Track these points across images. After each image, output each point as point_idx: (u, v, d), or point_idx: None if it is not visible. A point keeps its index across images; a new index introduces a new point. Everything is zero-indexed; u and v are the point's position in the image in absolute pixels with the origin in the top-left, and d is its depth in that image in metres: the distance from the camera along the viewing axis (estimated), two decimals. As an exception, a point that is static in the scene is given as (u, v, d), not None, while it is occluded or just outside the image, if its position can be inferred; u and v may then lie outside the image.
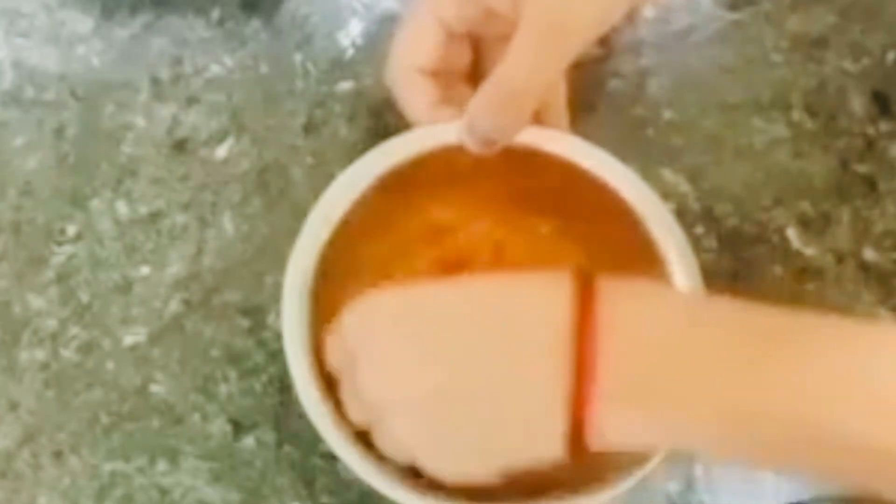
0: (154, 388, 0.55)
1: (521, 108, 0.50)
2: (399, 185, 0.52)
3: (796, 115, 0.59)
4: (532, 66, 0.50)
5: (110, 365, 0.55)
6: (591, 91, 0.58)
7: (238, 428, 0.54)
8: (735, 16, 0.60)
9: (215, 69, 0.59)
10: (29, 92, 0.59)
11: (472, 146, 0.51)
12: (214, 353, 0.55)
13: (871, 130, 0.59)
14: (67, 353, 0.55)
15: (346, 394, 0.48)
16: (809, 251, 0.57)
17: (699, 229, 0.57)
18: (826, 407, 0.39)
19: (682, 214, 0.56)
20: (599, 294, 0.42)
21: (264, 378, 0.55)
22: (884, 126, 0.59)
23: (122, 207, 0.57)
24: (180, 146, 0.58)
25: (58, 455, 0.54)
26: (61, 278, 0.56)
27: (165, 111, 0.59)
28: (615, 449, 0.43)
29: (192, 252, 0.57)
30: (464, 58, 0.54)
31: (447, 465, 0.46)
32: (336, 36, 0.60)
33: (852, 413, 0.39)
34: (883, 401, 0.39)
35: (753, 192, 0.58)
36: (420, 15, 0.53)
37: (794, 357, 0.40)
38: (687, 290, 0.50)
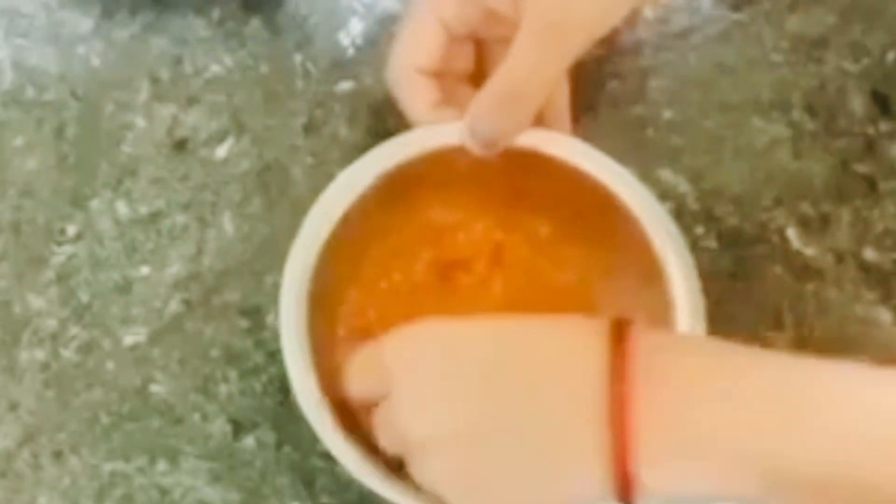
0: (154, 388, 0.55)
1: (522, 109, 0.50)
2: (399, 185, 0.52)
3: (796, 115, 0.59)
4: (533, 66, 0.50)
5: (110, 365, 0.55)
6: (590, 91, 0.58)
7: (238, 428, 0.54)
8: (735, 16, 0.60)
9: (215, 69, 0.59)
10: (29, 92, 0.59)
11: (474, 147, 0.51)
12: (214, 353, 0.55)
13: (871, 130, 0.59)
14: (67, 353, 0.55)
15: (379, 419, 0.47)
16: (809, 251, 0.57)
17: (699, 229, 0.57)
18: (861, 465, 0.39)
19: (681, 214, 0.56)
20: (635, 345, 0.42)
21: (264, 378, 0.55)
22: (884, 126, 0.59)
23: (122, 207, 0.57)
24: (180, 146, 0.58)
25: (58, 455, 0.54)
26: (61, 278, 0.56)
27: (165, 111, 0.59)
28: (662, 498, 0.43)
29: (192, 252, 0.57)
30: (466, 60, 0.54)
31: None
32: (336, 36, 0.60)
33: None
34: None
35: (753, 192, 0.57)
36: (420, 15, 0.53)
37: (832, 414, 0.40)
38: (689, 303, 0.50)
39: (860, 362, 0.42)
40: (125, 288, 0.56)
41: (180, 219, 0.57)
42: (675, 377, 0.42)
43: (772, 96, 0.59)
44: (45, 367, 0.55)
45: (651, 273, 0.51)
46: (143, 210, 0.57)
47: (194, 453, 0.54)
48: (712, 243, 0.57)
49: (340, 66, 0.59)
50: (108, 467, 0.54)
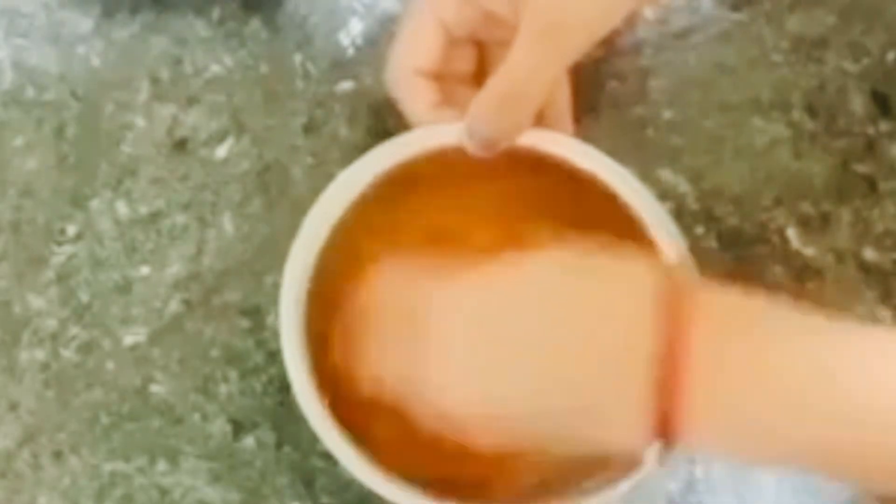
0: (154, 388, 0.55)
1: (521, 110, 0.50)
2: (399, 185, 0.52)
3: (796, 115, 0.59)
4: (532, 66, 0.50)
5: (110, 365, 0.55)
6: (591, 91, 0.58)
7: (238, 428, 0.54)
8: (735, 16, 0.60)
9: (215, 69, 0.59)
10: (29, 92, 0.59)
11: (473, 148, 0.51)
12: (214, 353, 0.55)
13: (871, 130, 0.59)
14: (67, 353, 0.55)
15: (374, 342, 0.47)
16: (809, 251, 0.57)
17: (699, 229, 0.57)
18: None
19: (681, 214, 0.56)
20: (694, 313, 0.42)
21: (264, 378, 0.55)
22: (884, 126, 0.59)
23: (122, 207, 0.57)
24: (180, 146, 0.58)
25: (58, 455, 0.54)
26: (61, 278, 0.56)
27: (165, 111, 0.59)
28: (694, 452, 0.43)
29: (192, 252, 0.57)
30: (466, 62, 0.54)
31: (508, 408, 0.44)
32: (336, 36, 0.60)
33: None
34: None
35: (753, 192, 0.58)
36: (420, 15, 0.53)
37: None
38: None
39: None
40: (125, 288, 0.56)
41: (180, 219, 0.57)
42: (729, 362, 0.41)
43: (772, 96, 0.59)
44: (45, 367, 0.55)
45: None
46: (143, 210, 0.57)
47: (194, 453, 0.54)
48: (712, 243, 0.57)
49: (340, 66, 0.59)
50: (108, 467, 0.54)
